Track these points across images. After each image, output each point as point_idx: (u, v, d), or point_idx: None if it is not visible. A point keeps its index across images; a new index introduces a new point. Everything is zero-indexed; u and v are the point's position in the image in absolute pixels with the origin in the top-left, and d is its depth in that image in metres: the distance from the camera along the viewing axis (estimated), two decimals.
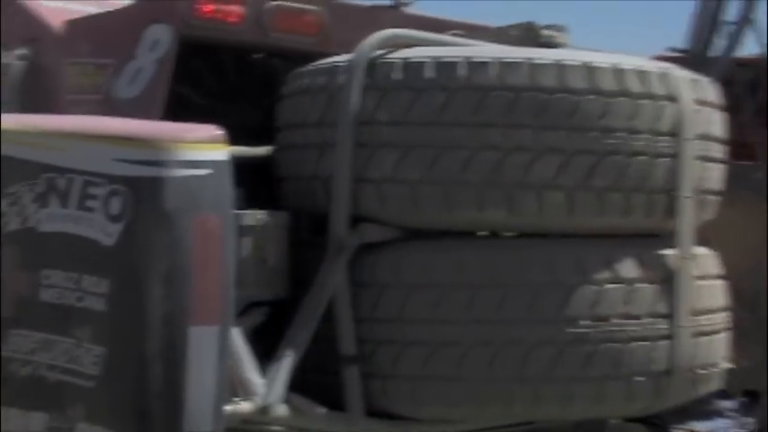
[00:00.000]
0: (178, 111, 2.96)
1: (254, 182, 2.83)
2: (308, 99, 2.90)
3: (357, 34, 2.87)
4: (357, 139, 2.74)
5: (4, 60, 3.33)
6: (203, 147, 2.38)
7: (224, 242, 2.37)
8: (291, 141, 2.96)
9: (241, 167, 2.49)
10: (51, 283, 2.42)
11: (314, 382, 2.71)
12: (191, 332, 2.32)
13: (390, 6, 3.43)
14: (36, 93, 3.32)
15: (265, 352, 2.69)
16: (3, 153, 2.51)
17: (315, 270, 2.76)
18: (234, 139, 2.44)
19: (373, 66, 2.77)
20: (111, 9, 3.39)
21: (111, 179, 2.36)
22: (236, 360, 2.59)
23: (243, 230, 2.70)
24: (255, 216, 2.74)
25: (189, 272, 2.32)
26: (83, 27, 3.36)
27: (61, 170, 2.43)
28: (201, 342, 2.33)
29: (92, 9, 3.45)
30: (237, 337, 2.62)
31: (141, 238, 2.32)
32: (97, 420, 2.36)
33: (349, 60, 2.80)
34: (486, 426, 2.94)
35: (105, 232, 2.35)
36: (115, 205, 2.35)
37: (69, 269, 2.39)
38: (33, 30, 3.45)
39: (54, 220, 2.43)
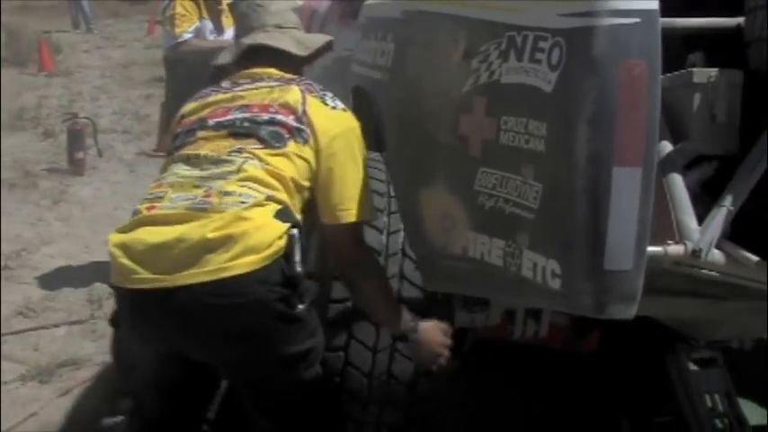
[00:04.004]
0: None
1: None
2: None
3: None
4: None
5: None
6: None
7: (649, 88, 2.51)
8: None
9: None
10: (508, 128, 2.77)
11: (749, 234, 2.74)
12: (615, 172, 2.51)
13: None
14: None
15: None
16: (475, 17, 2.90)
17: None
18: None
19: None
20: None
21: (554, 32, 2.62)
22: (674, 204, 2.72)
23: (694, 87, 2.81)
24: (707, 74, 2.82)
25: (614, 115, 2.51)
26: None
27: (519, 28, 2.75)
28: (624, 182, 2.51)
29: None
30: (678, 183, 2.74)
31: (573, 83, 2.56)
32: (536, 249, 2.68)
33: None
34: None
35: (546, 80, 2.63)
36: (555, 55, 2.61)
37: (520, 115, 2.72)
38: None
39: (512, 72, 2.77)
